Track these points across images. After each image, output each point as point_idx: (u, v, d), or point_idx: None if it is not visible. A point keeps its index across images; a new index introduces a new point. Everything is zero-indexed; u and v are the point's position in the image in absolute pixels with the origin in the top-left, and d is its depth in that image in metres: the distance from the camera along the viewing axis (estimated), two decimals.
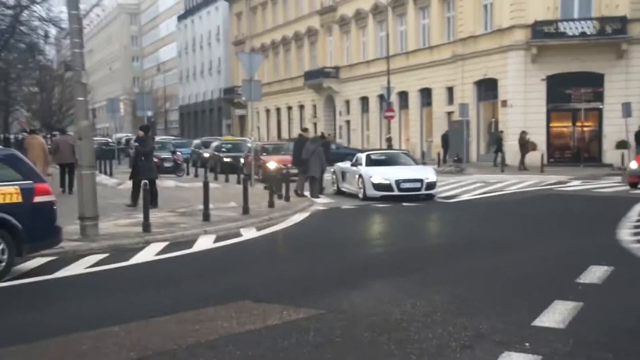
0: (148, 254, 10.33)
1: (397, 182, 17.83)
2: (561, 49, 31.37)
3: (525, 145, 30.24)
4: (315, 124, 51.58)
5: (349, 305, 6.77)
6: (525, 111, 32.21)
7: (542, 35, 31.39)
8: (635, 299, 6.95)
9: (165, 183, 23.26)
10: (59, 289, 8.22)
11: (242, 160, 27.15)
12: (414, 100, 40.88)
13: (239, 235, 12.35)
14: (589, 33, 30.78)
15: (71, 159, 19.25)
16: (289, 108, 57.67)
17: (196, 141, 42.94)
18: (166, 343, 5.66)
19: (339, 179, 20.26)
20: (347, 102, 48.30)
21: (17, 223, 8.50)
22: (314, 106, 53.23)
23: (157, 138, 48.18)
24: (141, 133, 16.51)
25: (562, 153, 32.95)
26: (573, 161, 31.05)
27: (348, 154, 25.32)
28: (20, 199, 8.66)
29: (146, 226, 11.92)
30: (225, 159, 29.74)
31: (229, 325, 6.13)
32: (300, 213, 15.69)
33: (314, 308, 6.66)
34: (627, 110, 28.72)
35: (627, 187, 19.73)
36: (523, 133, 30.45)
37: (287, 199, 17.66)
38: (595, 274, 8.02)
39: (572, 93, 30.63)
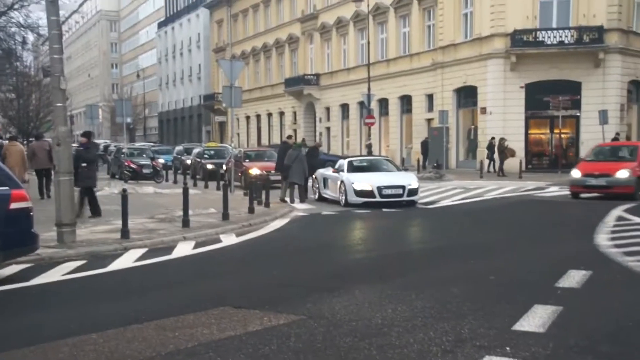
0: (126, 260, 10.23)
1: (379, 189, 17.83)
2: (540, 58, 31.71)
3: (504, 152, 30.52)
4: (295, 131, 51.55)
5: (329, 310, 6.74)
6: (504, 118, 32.50)
7: (521, 44, 31.72)
8: (613, 303, 7.00)
9: (144, 189, 23.14)
10: (36, 296, 8.10)
11: (224, 167, 27.05)
12: (394, 107, 41.04)
13: (218, 241, 12.28)
14: (566, 42, 31.17)
15: (47, 164, 19.13)
16: (269, 115, 57.64)
17: (178, 148, 42.71)
18: (145, 350, 5.59)
19: (321, 185, 20.23)
20: (328, 109, 48.37)
21: None
22: (294, 113, 53.24)
23: (137, 144, 48.08)
24: (84, 139, 15.75)
25: (540, 159, 33.31)
26: (551, 167, 31.38)
27: (328, 161, 25.34)
28: None
29: (124, 232, 11.82)
30: (208, 166, 29.58)
31: (209, 332, 6.07)
32: (280, 219, 15.65)
33: (295, 314, 6.62)
34: (603, 117, 29.11)
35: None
36: (502, 140, 30.74)
37: (267, 205, 17.62)
38: (574, 278, 8.07)
39: (550, 100, 30.91)
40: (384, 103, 41.84)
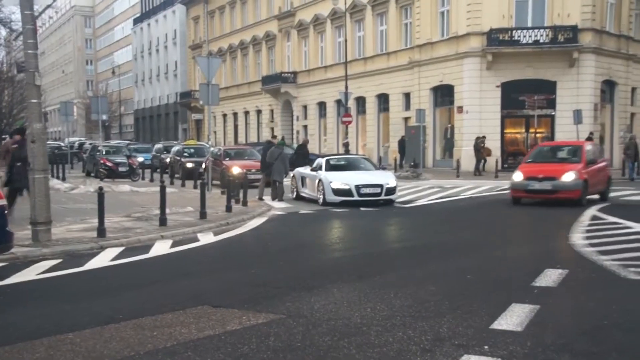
0: (103, 259, 10.14)
1: (357, 188, 17.85)
2: (515, 57, 31.98)
3: (481, 151, 30.71)
4: (272, 129, 51.50)
5: (308, 309, 6.74)
6: (480, 117, 32.72)
7: (497, 43, 31.96)
8: (589, 301, 7.08)
9: (120, 187, 22.97)
10: (10, 295, 7.98)
11: (203, 166, 26.87)
12: (371, 105, 41.14)
13: (196, 240, 12.22)
14: (542, 41, 31.47)
15: None
16: (246, 113, 57.47)
17: (158, 146, 42.25)
18: (123, 350, 5.54)
19: (299, 184, 20.22)
20: (305, 107, 48.35)
21: None
22: (272, 111, 53.15)
23: (112, 142, 47.69)
24: (18, 136, 14.39)
25: (516, 159, 33.48)
26: None
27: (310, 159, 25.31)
28: None
29: (101, 231, 11.72)
30: (188, 164, 29.25)
31: (187, 331, 6.04)
32: (258, 218, 15.62)
33: (274, 313, 6.61)
34: (578, 117, 29.44)
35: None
36: (478, 138, 30.93)
37: (245, 203, 17.58)
38: (550, 277, 8.15)
39: (525, 100, 31.21)
40: (361, 101, 41.91)
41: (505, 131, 33.43)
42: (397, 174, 25.18)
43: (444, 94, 35.65)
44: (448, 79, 34.35)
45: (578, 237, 11.47)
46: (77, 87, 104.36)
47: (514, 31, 31.90)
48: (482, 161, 30.47)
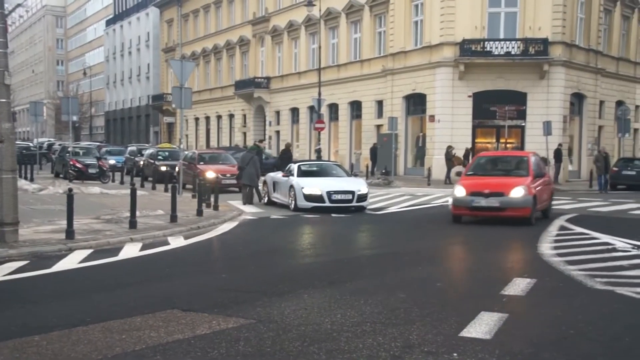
0: (71, 261, 10.02)
1: (329, 194, 17.88)
2: (487, 67, 32.34)
3: (452, 160, 30.97)
4: (245, 134, 51.39)
5: (279, 315, 6.73)
6: (452, 126, 33.00)
7: (470, 53, 32.29)
8: (556, 310, 7.17)
9: (89, 189, 22.71)
10: None
11: (177, 169, 26.64)
12: (344, 112, 41.25)
13: (166, 243, 12.13)
14: (513, 53, 31.87)
15: None
16: (219, 117, 57.26)
17: (131, 148, 41.70)
18: (91, 353, 5.48)
19: (270, 189, 20.20)
20: (278, 113, 48.31)
21: None
22: (244, 116, 53.01)
23: (82, 144, 47.14)
24: None
25: None
26: None
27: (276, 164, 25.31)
28: None
29: (69, 233, 11.58)
30: (162, 168, 28.76)
31: (156, 335, 5.99)
32: (229, 222, 15.57)
33: (244, 317, 6.58)
34: (547, 128, 29.85)
35: None
36: (449, 147, 31.19)
37: (216, 207, 17.50)
38: (519, 286, 8.24)
39: (496, 110, 31.53)
40: (334, 108, 42.02)
41: (476, 141, 33.74)
42: (368, 181, 25.28)
43: (416, 103, 35.90)
44: (420, 88, 34.60)
45: (546, 247, 11.62)
46: (47, 87, 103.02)
47: (486, 42, 32.25)
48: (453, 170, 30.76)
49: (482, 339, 5.92)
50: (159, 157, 31.57)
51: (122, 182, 28.36)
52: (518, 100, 32.39)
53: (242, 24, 52.56)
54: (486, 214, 15.44)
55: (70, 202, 11.86)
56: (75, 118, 30.89)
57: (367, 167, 34.13)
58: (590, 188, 28.47)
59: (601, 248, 11.50)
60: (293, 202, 18.24)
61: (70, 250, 10.84)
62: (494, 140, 33.85)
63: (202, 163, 25.75)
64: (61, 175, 31.71)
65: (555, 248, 11.49)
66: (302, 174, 19.15)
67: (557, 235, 13.37)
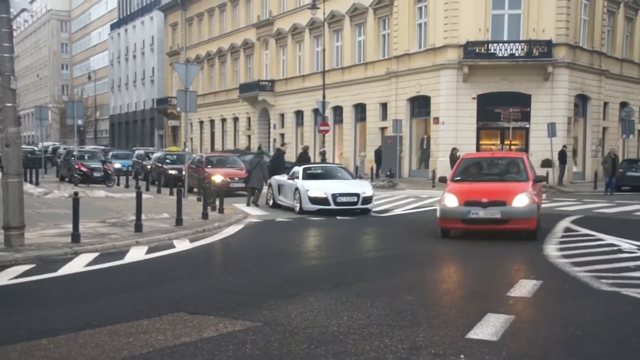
0: (77, 265, 10.04)
1: (334, 196, 17.89)
2: (491, 69, 32.31)
3: (456, 162, 30.88)
4: (249, 137, 51.43)
5: (285, 317, 6.73)
6: (456, 128, 32.97)
7: (474, 55, 32.26)
8: (562, 312, 7.16)
9: (95, 193, 22.76)
10: None
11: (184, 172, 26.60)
12: (348, 115, 41.26)
13: (171, 246, 12.15)
14: (517, 55, 31.83)
15: None
16: (223, 120, 57.33)
17: (139, 152, 41.62)
18: (98, 356, 5.49)
19: (275, 192, 20.22)
20: (282, 116, 48.34)
21: None
22: (249, 119, 53.06)
23: (87, 147, 47.23)
24: None
25: None
26: None
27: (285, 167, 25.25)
28: None
29: (75, 236, 11.60)
30: (170, 171, 28.47)
31: (163, 338, 6.00)
32: (234, 225, 15.58)
33: (251, 320, 6.59)
34: (552, 130, 29.82)
35: (550, 204, 20.08)
36: (454, 150, 31.15)
37: (221, 210, 17.51)
38: (525, 287, 8.23)
39: (500, 112, 31.55)
40: (338, 111, 42.02)
41: (480, 142, 33.69)
42: (373, 184, 25.26)
43: (420, 105, 35.88)
44: (425, 90, 34.59)
45: (552, 249, 11.60)
46: (52, 91, 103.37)
47: (490, 44, 32.23)
48: None
49: (489, 341, 5.91)
50: (167, 161, 31.45)
51: (127, 186, 28.40)
52: (522, 102, 32.36)
53: (246, 27, 52.64)
54: (484, 228, 12.85)
55: (76, 205, 11.88)
56: (80, 122, 31.03)
57: (371, 169, 34.13)
58: (595, 189, 28.39)
59: (607, 249, 11.48)
60: (298, 204, 18.26)
61: (76, 253, 10.87)
62: (499, 142, 33.82)
63: (209, 166, 25.62)
64: (66, 179, 31.77)
65: (561, 249, 11.48)
66: (307, 176, 19.17)
67: (563, 236, 13.35)
